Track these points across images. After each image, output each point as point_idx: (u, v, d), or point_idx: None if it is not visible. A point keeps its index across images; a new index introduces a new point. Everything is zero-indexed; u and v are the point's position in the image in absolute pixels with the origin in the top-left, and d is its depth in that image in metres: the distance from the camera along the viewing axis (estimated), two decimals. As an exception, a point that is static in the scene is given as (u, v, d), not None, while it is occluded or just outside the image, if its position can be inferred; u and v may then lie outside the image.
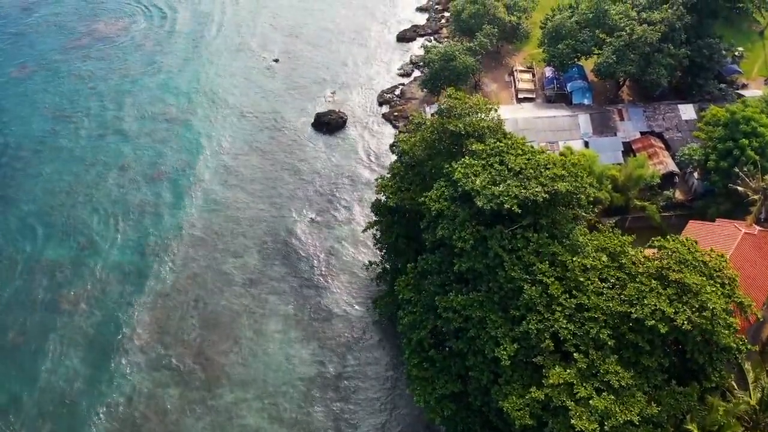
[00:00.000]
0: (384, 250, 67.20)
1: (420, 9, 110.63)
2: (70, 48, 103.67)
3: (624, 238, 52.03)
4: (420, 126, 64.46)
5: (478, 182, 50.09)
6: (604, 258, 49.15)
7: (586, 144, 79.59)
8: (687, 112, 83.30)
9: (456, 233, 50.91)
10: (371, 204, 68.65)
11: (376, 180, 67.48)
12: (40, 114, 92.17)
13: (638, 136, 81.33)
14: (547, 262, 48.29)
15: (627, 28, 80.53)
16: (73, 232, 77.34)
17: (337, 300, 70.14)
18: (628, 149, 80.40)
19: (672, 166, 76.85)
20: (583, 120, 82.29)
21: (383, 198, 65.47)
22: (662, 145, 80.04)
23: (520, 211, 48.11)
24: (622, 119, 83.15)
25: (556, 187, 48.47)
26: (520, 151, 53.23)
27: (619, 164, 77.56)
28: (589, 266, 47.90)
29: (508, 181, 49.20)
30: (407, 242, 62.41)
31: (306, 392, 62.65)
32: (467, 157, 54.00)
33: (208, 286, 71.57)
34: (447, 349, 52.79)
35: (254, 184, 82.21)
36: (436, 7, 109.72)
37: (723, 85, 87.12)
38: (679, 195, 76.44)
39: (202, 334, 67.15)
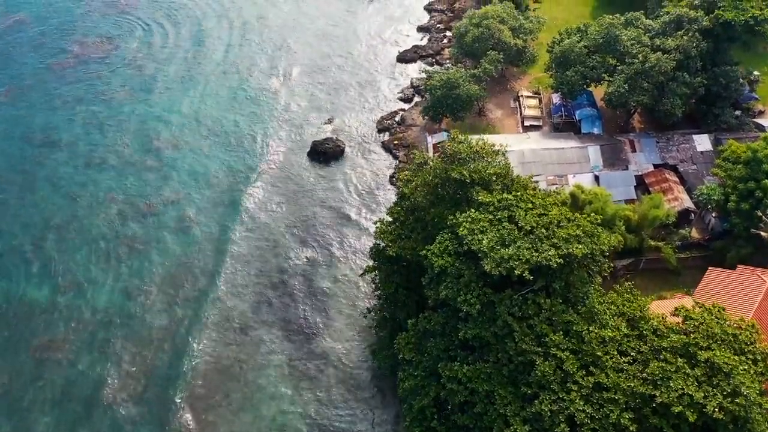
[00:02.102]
0: (383, 298, 63.05)
1: (421, 29, 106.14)
2: (55, 70, 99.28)
3: (642, 300, 47.89)
4: (422, 166, 60.36)
5: (485, 242, 45.92)
6: (624, 326, 44.96)
7: (597, 178, 75.41)
8: (702, 142, 79.08)
9: (461, 295, 46.87)
10: (370, 249, 64.58)
11: (375, 223, 63.24)
12: (23, 141, 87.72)
13: (651, 168, 77.17)
14: (561, 332, 44.20)
15: (639, 55, 76.31)
16: (55, 271, 72.98)
17: (334, 348, 65.89)
18: (639, 182, 76.26)
19: (688, 203, 72.66)
20: (593, 152, 78.09)
21: (382, 243, 61.34)
22: (677, 179, 75.85)
23: (531, 277, 43.93)
24: (633, 150, 78.96)
25: (571, 250, 44.26)
26: (530, 205, 49.07)
27: (632, 200, 73.64)
28: (607, 338, 43.66)
29: (518, 243, 45.04)
30: (408, 293, 58.31)
31: (299, 454, 58.62)
32: (473, 210, 49.83)
33: (197, 331, 67.36)
34: (452, 421, 48.59)
35: (244, 219, 77.92)
36: (438, 26, 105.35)
37: (738, 112, 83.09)
38: (695, 233, 72.33)
39: (189, 386, 62.99)
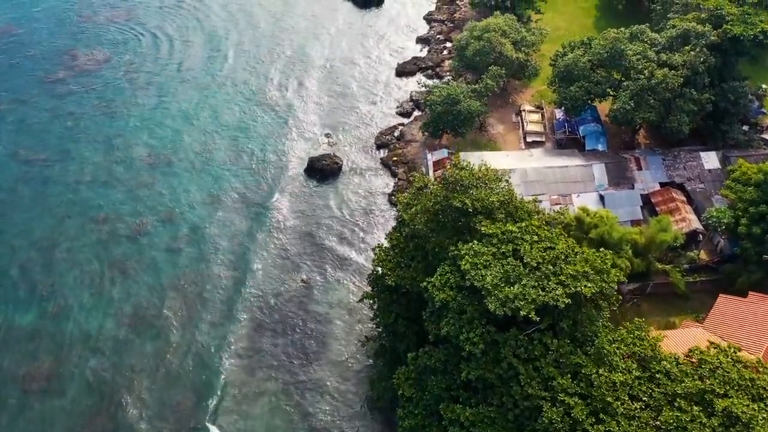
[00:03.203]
0: (382, 327, 60.76)
1: (420, 40, 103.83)
2: (46, 83, 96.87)
3: (654, 336, 45.62)
4: (422, 190, 58.08)
5: (489, 278, 43.67)
6: (635, 368, 42.71)
7: (602, 198, 73.20)
8: (710, 160, 76.94)
9: (464, 333, 44.67)
10: (368, 275, 62.35)
11: (374, 249, 60.94)
12: (12, 158, 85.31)
13: (657, 187, 74.98)
14: (569, 375, 41.94)
15: (645, 71, 74.12)
16: (44, 294, 70.76)
17: (331, 376, 63.67)
18: (645, 201, 74.06)
19: (696, 224, 70.47)
20: (598, 170, 75.88)
21: (380, 270, 59.05)
22: (684, 199, 73.68)
23: (538, 318, 41.68)
24: (639, 168, 76.77)
25: (579, 289, 42.02)
26: (535, 237, 46.78)
27: (638, 221, 71.48)
28: (618, 383, 41.43)
29: (524, 280, 42.77)
30: (408, 324, 55.94)
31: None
32: (476, 242, 47.58)
33: (188, 359, 65.12)
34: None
35: (238, 240, 75.60)
36: (438, 37, 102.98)
37: (746, 128, 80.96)
38: (703, 255, 70.11)
39: (180, 417, 60.76)
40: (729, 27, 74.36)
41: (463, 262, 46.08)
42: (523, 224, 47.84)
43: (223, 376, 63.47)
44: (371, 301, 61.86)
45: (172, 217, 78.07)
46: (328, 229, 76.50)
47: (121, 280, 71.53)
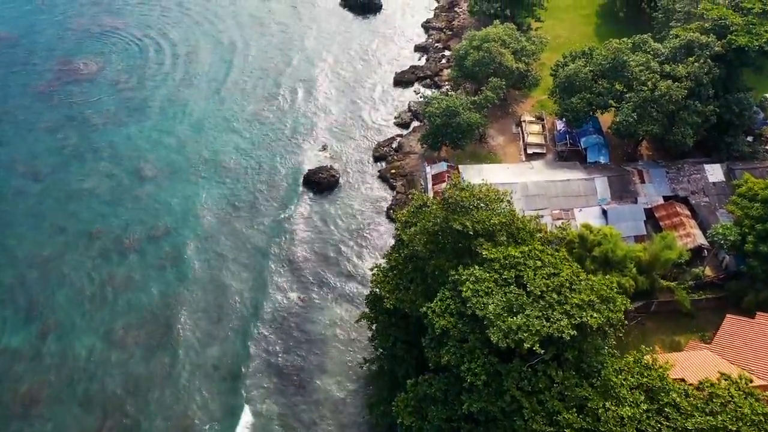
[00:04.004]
0: (380, 350, 59.22)
1: (418, 48, 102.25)
2: (39, 92, 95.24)
3: (661, 365, 44.11)
4: (421, 209, 56.44)
5: (491, 307, 42.16)
6: (642, 400, 41.20)
7: (604, 212, 71.67)
8: (714, 173, 75.43)
9: (465, 363, 43.13)
10: (366, 296, 60.75)
11: (372, 269, 59.35)
12: (2, 171, 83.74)
13: (661, 201, 73.44)
14: (574, 409, 40.40)
15: (649, 82, 72.62)
16: (35, 312, 69.12)
17: (328, 399, 62.09)
18: (649, 215, 72.53)
19: (701, 239, 68.95)
20: (600, 184, 74.36)
21: (378, 291, 57.47)
22: (688, 213, 72.13)
23: (543, 351, 40.16)
24: (642, 181, 75.23)
25: (585, 320, 40.50)
26: (539, 263, 45.26)
27: (642, 236, 69.99)
28: (625, 417, 39.92)
29: (528, 311, 41.22)
30: (407, 348, 54.44)
31: None
32: (477, 268, 46.06)
33: (181, 381, 63.49)
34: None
35: (235, 255, 74.03)
36: (436, 45, 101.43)
37: (750, 138, 79.48)
38: (708, 271, 68.62)
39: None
40: (734, 37, 72.88)
41: (464, 289, 44.61)
42: (526, 249, 46.28)
43: (216, 401, 61.77)
44: (369, 322, 60.36)
45: (164, 233, 76.48)
46: (325, 245, 74.91)
47: (112, 299, 69.86)
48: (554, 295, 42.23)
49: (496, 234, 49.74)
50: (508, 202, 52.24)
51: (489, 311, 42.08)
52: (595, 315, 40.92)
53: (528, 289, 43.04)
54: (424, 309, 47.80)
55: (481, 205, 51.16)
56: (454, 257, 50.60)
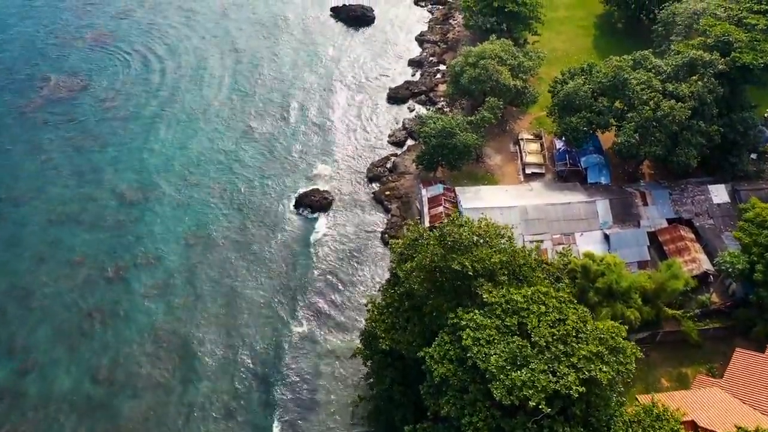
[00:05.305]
0: (376, 390, 56.60)
1: (412, 62, 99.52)
2: (22, 112, 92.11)
3: (674, 417, 41.71)
4: (417, 242, 53.71)
5: (493, 359, 39.63)
6: (655, 459, 38.84)
7: (606, 237, 69.25)
8: (719, 193, 73.12)
9: (466, 416, 40.60)
10: (360, 333, 58.26)
11: (366, 305, 56.76)
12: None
13: (664, 224, 71.11)
14: (583, 469, 37.96)
15: (651, 102, 70.26)
16: (14, 347, 66.24)
17: (325, 439, 59.59)
18: (652, 239, 70.17)
19: (706, 264, 66.60)
20: (602, 206, 71.89)
21: (374, 328, 54.78)
22: (693, 237, 69.77)
23: (549, 410, 37.62)
24: (645, 203, 72.85)
25: (594, 374, 38.00)
26: (543, 308, 42.72)
27: (646, 262, 67.69)
28: (638, 479, 37.56)
29: (533, 364, 38.69)
30: (404, 391, 51.85)
31: None
32: (477, 312, 43.52)
33: (173, 420, 60.71)
34: None
35: (225, 286, 71.21)
36: (431, 59, 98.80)
37: (754, 156, 77.26)
38: (714, 297, 66.36)
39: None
40: (738, 55, 70.58)
41: (465, 336, 42.11)
42: (529, 292, 43.75)
43: (206, 441, 59.21)
44: (364, 358, 57.77)
45: (150, 260, 73.68)
46: (318, 272, 72.20)
47: (99, 331, 67.01)
48: (560, 346, 39.73)
49: (497, 273, 47.22)
50: (509, 238, 49.64)
51: (491, 363, 39.56)
52: (604, 369, 38.43)
53: (532, 339, 40.51)
54: (422, 353, 45.30)
55: (481, 241, 48.61)
56: (453, 298, 48.06)
